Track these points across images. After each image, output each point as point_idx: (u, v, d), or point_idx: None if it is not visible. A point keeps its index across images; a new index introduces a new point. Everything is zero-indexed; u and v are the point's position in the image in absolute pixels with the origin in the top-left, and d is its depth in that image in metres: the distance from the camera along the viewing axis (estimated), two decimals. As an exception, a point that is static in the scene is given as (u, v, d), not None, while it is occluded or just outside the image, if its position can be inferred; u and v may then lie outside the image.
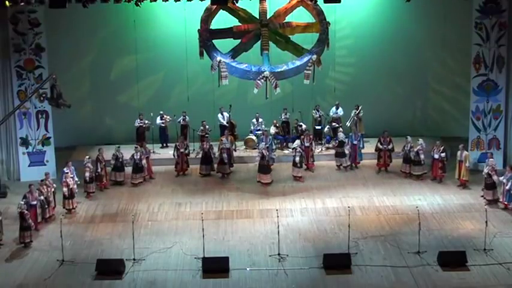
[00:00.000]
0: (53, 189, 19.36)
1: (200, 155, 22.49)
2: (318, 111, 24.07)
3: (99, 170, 21.06)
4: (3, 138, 22.12)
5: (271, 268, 16.48)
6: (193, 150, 23.07)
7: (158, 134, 24.03)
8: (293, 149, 22.23)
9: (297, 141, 22.37)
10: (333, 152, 23.18)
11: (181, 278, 16.14)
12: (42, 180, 19.26)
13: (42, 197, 18.70)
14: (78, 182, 20.32)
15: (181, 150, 22.34)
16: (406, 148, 21.94)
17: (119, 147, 21.98)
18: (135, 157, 21.71)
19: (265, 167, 21.63)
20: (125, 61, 24.41)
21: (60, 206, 19.69)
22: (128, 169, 21.93)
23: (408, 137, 22.19)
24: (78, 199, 20.25)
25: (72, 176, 19.99)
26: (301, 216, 19.42)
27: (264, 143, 22.15)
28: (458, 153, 21.01)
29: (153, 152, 23.11)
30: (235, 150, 23.37)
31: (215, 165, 22.34)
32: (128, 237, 17.74)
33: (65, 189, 19.53)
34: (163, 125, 23.98)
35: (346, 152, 22.58)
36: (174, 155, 22.43)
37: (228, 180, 22.07)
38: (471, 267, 16.32)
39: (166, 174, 22.54)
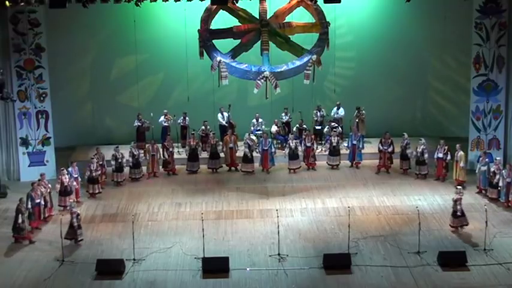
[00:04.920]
0: (49, 190, 19.40)
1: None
2: (320, 111, 24.08)
3: (93, 169, 21.05)
4: (3, 138, 22.12)
5: (271, 268, 16.47)
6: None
7: (160, 133, 23.83)
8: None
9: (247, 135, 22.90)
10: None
11: (181, 278, 16.14)
12: (39, 180, 19.28)
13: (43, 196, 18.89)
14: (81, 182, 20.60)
15: (171, 149, 22.40)
16: (402, 144, 22.09)
17: (117, 147, 21.99)
18: (134, 153, 21.82)
19: (248, 157, 22.34)
20: (125, 61, 24.42)
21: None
22: (127, 168, 22.05)
23: (405, 133, 22.28)
24: (80, 199, 20.46)
25: (76, 175, 20.21)
26: (301, 216, 19.42)
27: (247, 134, 22.76)
28: (455, 153, 21.06)
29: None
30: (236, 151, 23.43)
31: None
32: (128, 237, 17.74)
33: (57, 185, 19.66)
34: (165, 124, 23.93)
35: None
36: (164, 155, 22.45)
37: (228, 180, 22.07)
38: (471, 267, 16.32)
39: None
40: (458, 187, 18.50)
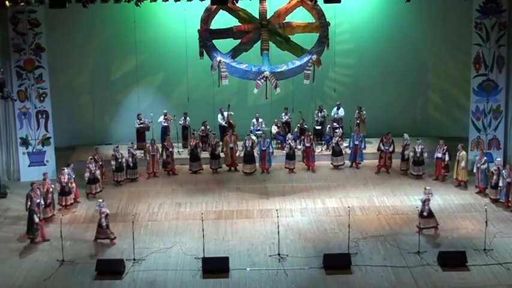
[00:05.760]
0: (51, 190, 19.39)
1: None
2: (321, 111, 24.07)
3: (93, 170, 21.03)
4: (3, 138, 22.11)
5: (271, 268, 16.48)
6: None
7: (160, 133, 23.79)
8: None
9: (289, 135, 22.90)
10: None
11: (181, 278, 16.15)
12: (44, 180, 19.30)
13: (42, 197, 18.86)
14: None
15: (170, 149, 22.40)
16: (402, 145, 22.11)
17: (117, 147, 21.99)
18: (133, 153, 21.87)
19: (249, 157, 22.32)
20: (125, 61, 24.42)
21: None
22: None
23: (405, 134, 22.28)
24: (79, 199, 20.50)
25: (73, 176, 20.19)
26: (301, 216, 19.42)
27: (246, 134, 22.74)
28: (457, 153, 21.05)
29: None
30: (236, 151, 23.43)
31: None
32: (128, 237, 17.74)
33: (57, 184, 19.69)
34: (165, 124, 23.90)
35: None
36: (163, 155, 22.44)
37: (228, 180, 22.08)
38: (471, 267, 16.33)
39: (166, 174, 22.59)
40: (427, 188, 18.45)
